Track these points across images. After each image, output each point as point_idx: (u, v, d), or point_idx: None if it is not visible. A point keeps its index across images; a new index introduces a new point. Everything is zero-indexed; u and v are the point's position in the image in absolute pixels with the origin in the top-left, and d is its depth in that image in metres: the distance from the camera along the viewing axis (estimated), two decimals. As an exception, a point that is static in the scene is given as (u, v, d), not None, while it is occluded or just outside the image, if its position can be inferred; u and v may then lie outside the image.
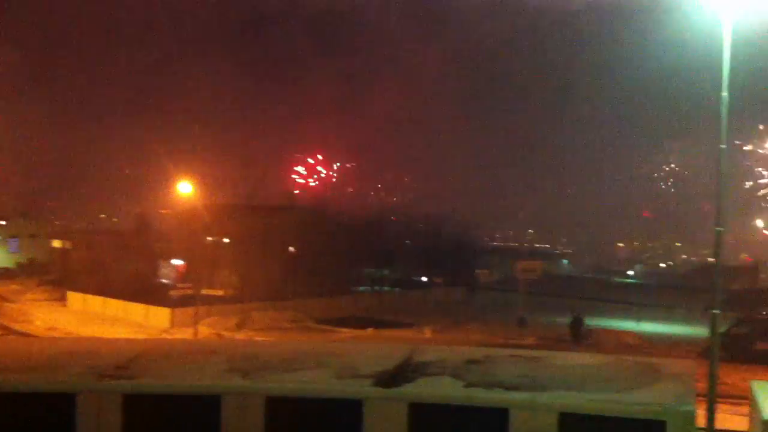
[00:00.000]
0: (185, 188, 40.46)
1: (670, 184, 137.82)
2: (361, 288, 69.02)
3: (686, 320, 52.85)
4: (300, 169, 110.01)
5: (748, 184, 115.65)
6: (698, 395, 12.29)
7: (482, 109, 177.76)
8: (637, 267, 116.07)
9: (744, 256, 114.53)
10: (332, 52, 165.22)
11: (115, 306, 49.95)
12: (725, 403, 22.04)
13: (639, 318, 51.71)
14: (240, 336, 40.19)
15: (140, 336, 38.23)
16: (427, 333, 43.01)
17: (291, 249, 59.38)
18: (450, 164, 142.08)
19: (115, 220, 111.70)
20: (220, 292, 49.37)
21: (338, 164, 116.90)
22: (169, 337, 38.60)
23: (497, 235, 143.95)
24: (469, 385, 12.02)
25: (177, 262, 58.28)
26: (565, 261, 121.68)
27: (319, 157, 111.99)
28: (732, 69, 15.81)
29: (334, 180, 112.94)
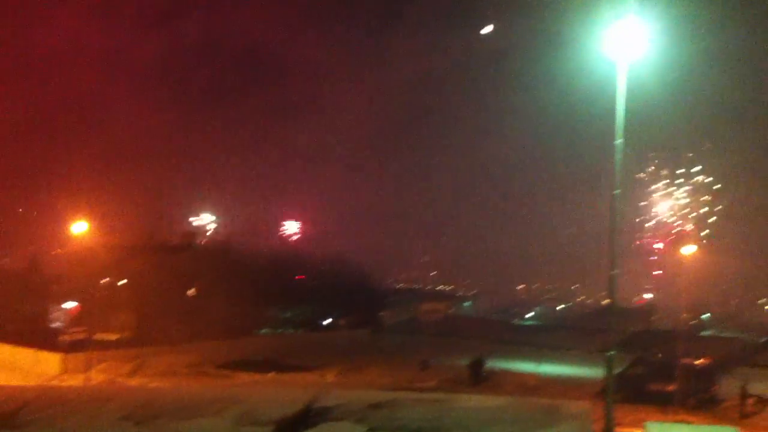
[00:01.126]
0: (80, 227, 39.13)
1: (569, 227, 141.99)
2: (264, 330, 68.04)
3: (583, 361, 54.10)
4: (205, 214, 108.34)
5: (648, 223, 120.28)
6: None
7: (393, 151, 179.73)
8: (537, 308, 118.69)
9: (638, 299, 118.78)
10: (253, 88, 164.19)
11: (2, 350, 47.61)
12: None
13: (538, 359, 52.64)
14: (135, 382, 38.84)
15: (29, 383, 36.46)
16: (331, 376, 42.57)
17: (191, 290, 58.12)
18: (357, 205, 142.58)
19: (6, 260, 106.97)
20: (115, 336, 47.78)
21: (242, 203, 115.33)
22: (59, 383, 36.96)
23: (402, 277, 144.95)
24: (372, 429, 11.93)
25: (70, 304, 56.12)
26: (467, 302, 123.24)
27: (217, 199, 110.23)
28: (627, 118, 16.42)
29: (235, 219, 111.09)
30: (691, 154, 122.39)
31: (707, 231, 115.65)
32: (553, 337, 70.12)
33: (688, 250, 41.52)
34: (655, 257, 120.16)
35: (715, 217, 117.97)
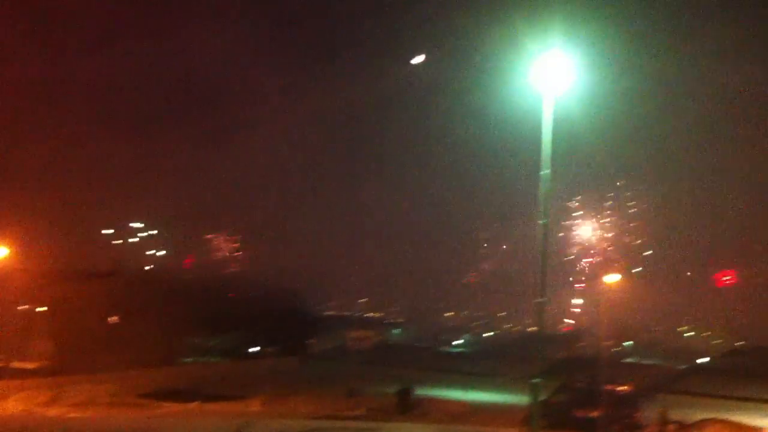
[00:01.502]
0: (0, 252, 37.86)
1: (497, 256, 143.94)
2: (188, 359, 66.77)
3: (510, 388, 54.61)
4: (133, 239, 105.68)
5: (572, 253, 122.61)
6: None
7: (326, 178, 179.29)
8: (465, 336, 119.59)
9: (565, 325, 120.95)
10: (188, 113, 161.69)
11: None
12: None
13: (466, 387, 52.94)
14: (53, 412, 37.50)
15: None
16: (256, 405, 41.86)
17: (113, 317, 56.72)
18: (286, 231, 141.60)
19: None
20: (33, 365, 46.19)
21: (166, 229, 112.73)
22: (-28, 414, 35.46)
23: (331, 304, 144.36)
24: (295, 460, 11.78)
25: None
26: (396, 330, 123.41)
27: (141, 224, 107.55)
28: (554, 148, 16.75)
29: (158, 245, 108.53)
30: (619, 183, 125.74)
31: (632, 262, 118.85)
32: (481, 364, 70.72)
33: (612, 278, 42.40)
34: (582, 285, 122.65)
35: (640, 249, 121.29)
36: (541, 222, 16.49)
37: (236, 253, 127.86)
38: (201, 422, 18.58)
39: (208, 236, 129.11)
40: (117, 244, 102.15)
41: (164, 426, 14.59)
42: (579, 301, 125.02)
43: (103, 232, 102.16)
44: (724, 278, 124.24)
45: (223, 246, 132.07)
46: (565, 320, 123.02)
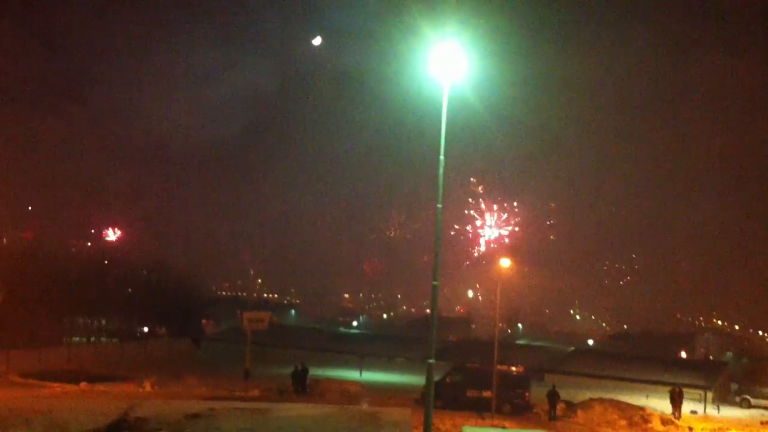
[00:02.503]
0: None
1: (394, 239, 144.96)
2: (75, 339, 64.70)
3: (405, 369, 55.29)
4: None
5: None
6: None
7: (224, 161, 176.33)
8: (362, 318, 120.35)
9: (459, 309, 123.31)
10: (79, 93, 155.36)
11: None
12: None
13: (361, 368, 53.29)
14: (-70, 394, 35.74)
15: None
16: (147, 387, 40.99)
17: (-5, 296, 54.37)
18: (179, 212, 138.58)
19: None
20: None
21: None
22: None
23: (225, 285, 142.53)
24: (189, 440, 11.57)
25: None
26: (293, 311, 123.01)
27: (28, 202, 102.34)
28: (450, 134, 16.91)
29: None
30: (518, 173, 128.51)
31: (526, 248, 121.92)
32: (377, 345, 71.21)
33: (505, 263, 43.37)
34: (476, 269, 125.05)
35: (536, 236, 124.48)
36: (437, 206, 16.64)
37: (129, 234, 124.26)
38: (88, 403, 18.00)
39: (100, 217, 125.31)
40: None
41: (51, 406, 14.05)
42: (473, 285, 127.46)
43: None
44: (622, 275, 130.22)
45: (116, 227, 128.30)
46: (461, 305, 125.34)
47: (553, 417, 37.69)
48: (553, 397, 38.75)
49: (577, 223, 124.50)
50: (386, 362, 61.08)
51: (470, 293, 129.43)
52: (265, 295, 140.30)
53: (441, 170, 16.43)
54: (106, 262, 79.28)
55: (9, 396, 33.19)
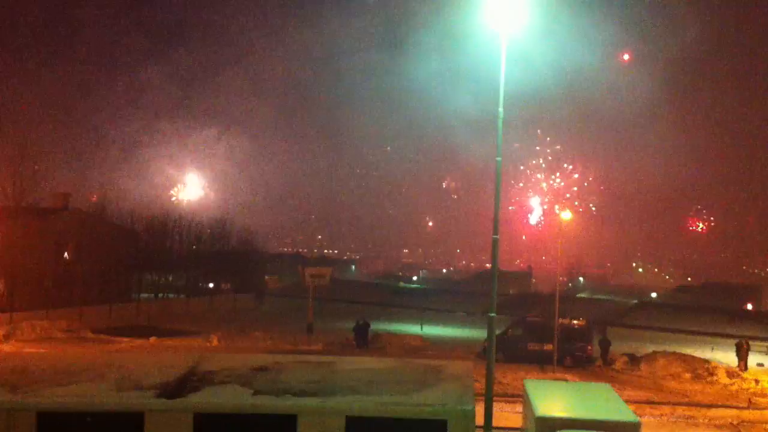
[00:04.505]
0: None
1: (453, 195, 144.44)
2: (144, 295, 66.50)
3: (466, 323, 55.49)
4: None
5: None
6: (477, 394, 12.86)
7: (279, 116, 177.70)
8: (421, 272, 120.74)
9: (519, 262, 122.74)
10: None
11: None
12: (501, 401, 23.27)
13: (422, 322, 53.64)
14: (8, 348, 37.21)
15: None
16: (214, 341, 42.01)
17: (65, 254, 55.96)
18: (241, 169, 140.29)
19: None
20: (-14, 301, 45.59)
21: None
22: (-76, 351, 34.99)
23: (287, 241, 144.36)
24: (256, 392, 11.83)
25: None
26: (353, 266, 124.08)
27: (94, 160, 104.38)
28: (508, 88, 16.67)
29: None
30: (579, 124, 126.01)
31: (587, 201, 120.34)
32: (437, 300, 71.58)
33: (566, 216, 42.94)
34: (539, 223, 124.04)
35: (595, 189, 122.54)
36: (497, 159, 16.45)
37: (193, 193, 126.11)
38: (158, 357, 18.52)
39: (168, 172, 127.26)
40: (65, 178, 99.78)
41: (122, 360, 14.50)
42: (535, 239, 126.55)
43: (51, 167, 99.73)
44: (695, 225, 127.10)
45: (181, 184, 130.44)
46: (520, 259, 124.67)
47: (606, 363, 37.95)
48: (604, 344, 39.38)
49: (640, 177, 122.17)
50: (447, 316, 61.34)
51: (530, 247, 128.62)
52: (326, 251, 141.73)
53: (500, 123, 16.24)
54: (171, 220, 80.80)
55: (81, 351, 34.40)
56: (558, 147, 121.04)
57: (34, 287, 49.77)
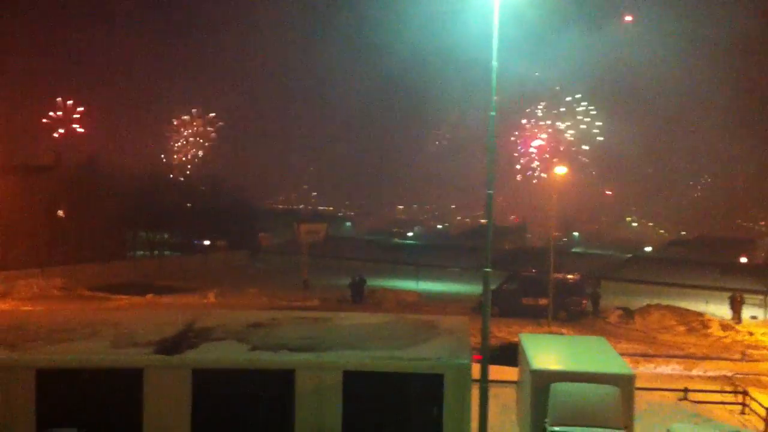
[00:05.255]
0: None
1: (445, 147, 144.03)
2: (139, 252, 66.52)
3: (461, 278, 55.77)
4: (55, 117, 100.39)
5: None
6: (472, 348, 12.95)
7: (273, 72, 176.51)
8: (416, 228, 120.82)
9: (513, 217, 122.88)
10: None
11: None
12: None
13: (417, 277, 53.87)
14: (4, 306, 37.34)
15: None
16: (210, 298, 42.18)
17: (59, 212, 55.80)
18: (234, 125, 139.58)
19: None
20: (-20, 260, 45.50)
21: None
22: None
23: (281, 198, 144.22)
24: (254, 348, 11.91)
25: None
26: (348, 223, 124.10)
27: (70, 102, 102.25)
28: (501, 39, 16.47)
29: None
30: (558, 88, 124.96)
31: (580, 155, 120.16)
32: (432, 256, 71.78)
33: (560, 170, 42.88)
34: (533, 175, 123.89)
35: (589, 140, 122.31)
36: (491, 113, 16.32)
37: (186, 148, 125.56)
38: (156, 313, 18.61)
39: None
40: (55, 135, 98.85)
41: (119, 317, 14.56)
42: (528, 193, 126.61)
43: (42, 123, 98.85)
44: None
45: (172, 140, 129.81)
46: (515, 214, 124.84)
47: (597, 314, 39.13)
48: (595, 297, 40.61)
49: (632, 129, 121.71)
50: (442, 272, 61.62)
51: (525, 202, 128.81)
52: (320, 207, 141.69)
53: (494, 76, 16.06)
54: (165, 176, 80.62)
55: (79, 309, 34.53)
56: (557, 88, 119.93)
57: (28, 245, 49.69)
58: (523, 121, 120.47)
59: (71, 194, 55.17)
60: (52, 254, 49.62)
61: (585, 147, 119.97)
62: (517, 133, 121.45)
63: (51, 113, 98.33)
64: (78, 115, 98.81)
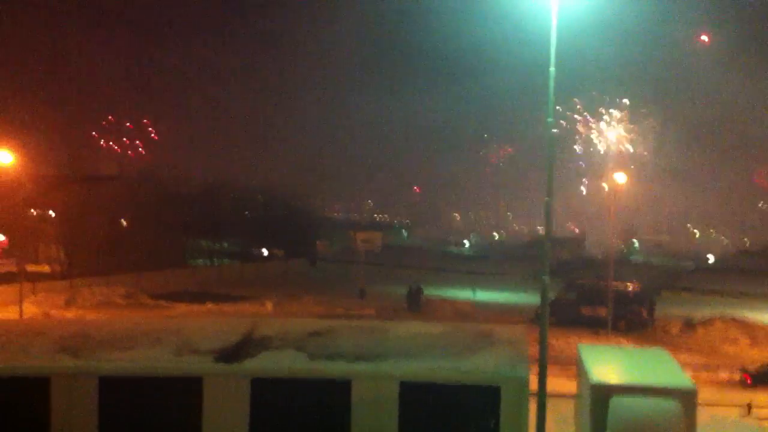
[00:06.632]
0: (5, 158, 37.66)
1: (503, 156, 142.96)
2: (199, 261, 67.55)
3: (518, 288, 55.25)
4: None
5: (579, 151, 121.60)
6: (530, 360, 12.82)
7: (327, 83, 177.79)
8: (472, 237, 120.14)
9: (570, 226, 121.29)
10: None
11: (-71, 284, 46.20)
12: (555, 366, 23.17)
13: (474, 287, 53.56)
14: (69, 314, 38.25)
15: (-43, 316, 35.56)
16: (268, 306, 42.58)
17: (122, 221, 57.04)
18: (292, 135, 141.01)
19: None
20: (46, 268, 46.75)
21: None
22: (-10, 316, 36.15)
23: (337, 206, 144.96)
24: (311, 357, 11.97)
25: (-2, 237, 54.64)
26: (404, 232, 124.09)
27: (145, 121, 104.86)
28: (560, 45, 16.33)
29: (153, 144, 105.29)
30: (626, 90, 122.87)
31: (641, 161, 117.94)
32: (489, 264, 71.33)
33: (620, 178, 42.19)
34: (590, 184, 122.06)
35: (649, 146, 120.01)
36: (548, 120, 16.18)
37: (243, 158, 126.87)
38: (216, 322, 18.86)
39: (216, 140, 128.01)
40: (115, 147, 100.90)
41: (180, 325, 14.79)
42: (586, 201, 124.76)
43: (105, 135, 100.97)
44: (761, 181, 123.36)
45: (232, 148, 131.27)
46: (572, 223, 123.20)
47: (650, 323, 38.42)
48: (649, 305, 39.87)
49: (694, 136, 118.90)
50: (499, 281, 61.14)
51: (584, 210, 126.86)
52: (376, 216, 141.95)
53: (551, 83, 15.95)
54: (223, 185, 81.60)
55: (140, 316, 35.20)
56: (626, 101, 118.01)
57: (91, 254, 50.92)
58: (581, 129, 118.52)
59: (133, 203, 56.36)
60: (115, 263, 50.73)
61: (645, 153, 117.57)
62: (578, 138, 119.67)
63: (105, 121, 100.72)
64: (149, 129, 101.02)
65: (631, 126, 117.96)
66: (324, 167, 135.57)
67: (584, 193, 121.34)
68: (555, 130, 16.67)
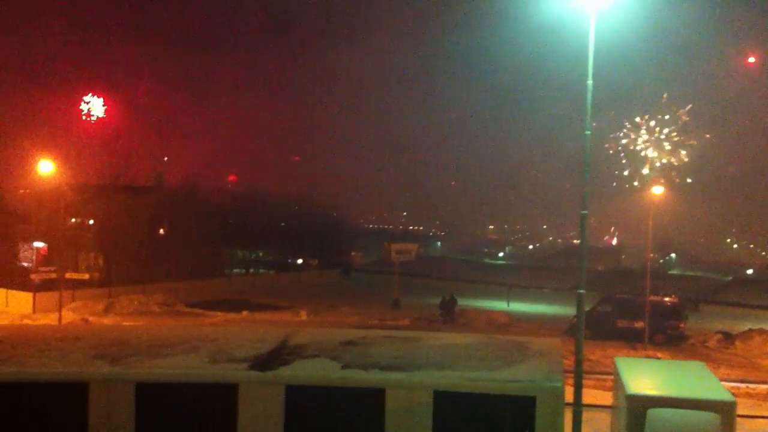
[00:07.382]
0: (46, 167, 38.37)
1: (539, 168, 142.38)
2: (235, 270, 68.11)
3: (553, 299, 54.89)
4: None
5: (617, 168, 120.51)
6: (565, 371, 12.74)
7: (363, 96, 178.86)
8: (507, 248, 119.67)
9: (607, 239, 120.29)
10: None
11: (-29, 291, 47.12)
12: (591, 378, 22.98)
13: (509, 298, 53.32)
14: (107, 321, 38.79)
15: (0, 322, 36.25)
16: (303, 315, 42.80)
17: (160, 230, 57.75)
18: (325, 147, 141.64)
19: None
20: (86, 276, 47.42)
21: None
22: (31, 323, 36.78)
23: (372, 218, 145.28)
24: (345, 366, 12.00)
25: (38, 244, 55.53)
26: (438, 243, 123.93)
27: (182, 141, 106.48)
28: (597, 58, 16.28)
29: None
30: (666, 96, 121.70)
31: (676, 173, 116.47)
32: (524, 276, 70.93)
33: (658, 190, 41.73)
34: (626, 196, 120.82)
35: (685, 160, 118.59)
36: (586, 132, 16.12)
37: (283, 169, 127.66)
38: (251, 330, 19.03)
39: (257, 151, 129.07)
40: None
41: (216, 333, 14.94)
42: (623, 213, 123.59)
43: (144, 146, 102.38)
44: None
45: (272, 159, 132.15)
46: (608, 234, 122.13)
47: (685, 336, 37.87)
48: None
49: (730, 148, 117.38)
50: (533, 293, 60.80)
51: (620, 222, 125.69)
52: (410, 227, 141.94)
53: (589, 96, 15.90)
54: (255, 197, 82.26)
55: (177, 324, 35.57)
56: (667, 117, 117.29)
57: (130, 263, 51.60)
58: (624, 141, 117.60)
59: (171, 213, 57.01)
60: (153, 271, 51.33)
61: (685, 159, 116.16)
62: (621, 148, 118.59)
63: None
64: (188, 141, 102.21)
65: (679, 138, 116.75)
66: (361, 178, 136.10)
67: (622, 204, 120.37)
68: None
